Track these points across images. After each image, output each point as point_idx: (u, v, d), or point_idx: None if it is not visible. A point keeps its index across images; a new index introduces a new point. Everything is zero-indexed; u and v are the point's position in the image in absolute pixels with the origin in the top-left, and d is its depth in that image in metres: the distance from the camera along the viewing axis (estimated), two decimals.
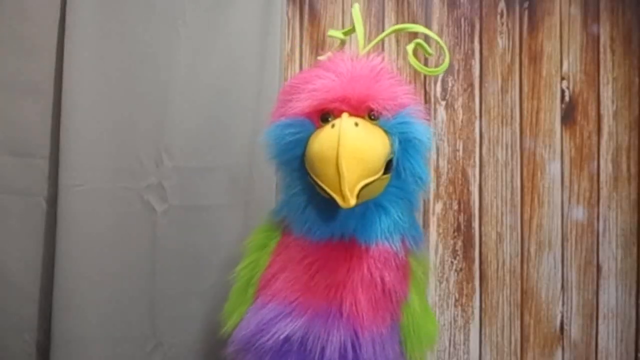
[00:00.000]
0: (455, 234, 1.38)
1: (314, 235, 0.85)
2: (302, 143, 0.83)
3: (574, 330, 1.38)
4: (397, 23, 1.36)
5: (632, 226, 1.38)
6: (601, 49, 1.39)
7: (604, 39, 1.39)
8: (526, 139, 1.38)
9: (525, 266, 1.38)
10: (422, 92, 1.36)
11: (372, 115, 0.84)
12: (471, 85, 1.37)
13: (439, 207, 1.37)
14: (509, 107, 1.38)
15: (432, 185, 1.37)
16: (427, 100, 1.37)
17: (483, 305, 1.37)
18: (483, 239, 1.38)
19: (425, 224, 1.37)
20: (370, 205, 0.84)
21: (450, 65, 1.37)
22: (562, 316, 1.38)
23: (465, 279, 1.37)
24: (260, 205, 1.17)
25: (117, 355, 1.15)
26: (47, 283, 1.14)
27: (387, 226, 0.85)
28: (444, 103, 1.37)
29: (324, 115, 0.83)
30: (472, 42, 1.38)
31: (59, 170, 1.12)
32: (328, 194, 0.78)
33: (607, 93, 1.38)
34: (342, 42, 1.00)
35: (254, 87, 1.23)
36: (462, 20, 1.38)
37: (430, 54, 0.99)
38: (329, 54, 0.94)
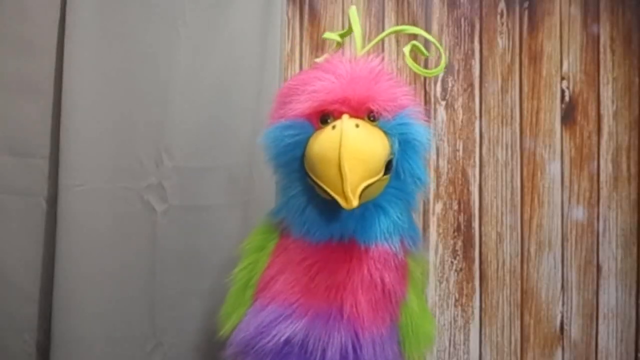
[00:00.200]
0: (455, 234, 1.38)
1: (314, 237, 0.85)
2: (302, 145, 0.83)
3: (574, 330, 1.38)
4: (397, 23, 1.36)
5: (632, 226, 1.38)
6: (601, 49, 1.39)
7: (604, 39, 1.39)
8: (526, 139, 1.38)
9: (525, 266, 1.38)
10: (422, 92, 1.36)
11: (371, 117, 0.84)
12: (471, 85, 1.37)
13: (439, 207, 1.37)
14: (509, 107, 1.38)
15: (432, 185, 1.37)
16: (427, 101, 1.37)
17: (483, 305, 1.37)
18: (483, 239, 1.38)
19: (425, 224, 1.37)
20: (369, 206, 0.84)
21: (450, 65, 1.37)
22: (562, 316, 1.38)
23: (465, 279, 1.37)
24: (260, 205, 1.17)
25: (117, 355, 1.15)
26: (47, 283, 1.14)
27: (386, 227, 0.85)
28: (444, 103, 1.37)
29: (323, 117, 0.83)
30: (472, 42, 1.38)
31: (59, 170, 1.12)
32: (329, 196, 0.78)
33: (607, 93, 1.38)
34: (339, 44, 1.00)
35: (254, 87, 1.23)
36: (462, 20, 1.38)
37: (425, 55, 1.00)
38: (326, 56, 0.94)
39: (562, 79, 1.38)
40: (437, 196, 1.37)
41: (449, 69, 1.37)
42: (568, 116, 1.38)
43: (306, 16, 1.36)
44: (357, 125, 0.79)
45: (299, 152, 0.84)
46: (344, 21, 1.35)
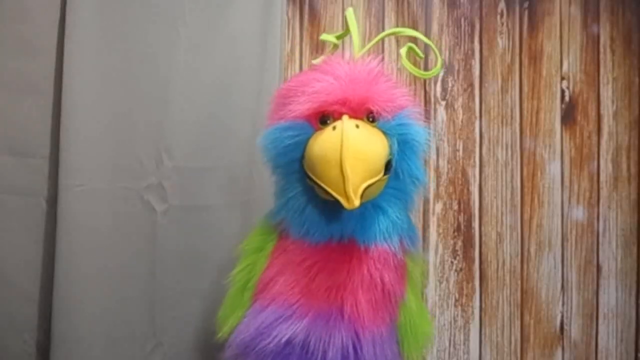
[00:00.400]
0: (455, 234, 1.38)
1: (313, 238, 0.85)
2: (301, 146, 0.83)
3: (574, 330, 1.38)
4: (397, 23, 1.36)
5: (632, 226, 1.38)
6: (601, 49, 1.39)
7: (604, 39, 1.39)
8: (526, 139, 1.38)
9: (525, 266, 1.38)
10: (422, 92, 1.37)
11: (370, 117, 0.84)
12: (471, 85, 1.38)
13: (439, 207, 1.37)
14: (509, 107, 1.38)
15: (432, 185, 1.37)
16: (427, 101, 1.37)
17: (483, 305, 1.37)
18: (483, 239, 1.38)
19: (425, 224, 1.37)
20: (368, 207, 0.84)
21: (450, 65, 1.37)
22: (562, 316, 1.38)
23: (465, 279, 1.37)
24: (260, 205, 1.17)
25: (117, 355, 1.15)
26: (47, 283, 1.14)
27: (385, 227, 0.85)
28: (444, 103, 1.37)
29: (322, 118, 0.83)
30: (472, 42, 1.38)
31: (59, 170, 1.11)
32: (330, 196, 0.78)
33: (607, 93, 1.38)
34: (335, 46, 1.00)
35: (254, 87, 1.23)
36: (462, 20, 1.38)
37: (420, 57, 1.00)
38: (323, 57, 0.95)
39: (562, 79, 1.38)
40: (437, 196, 1.37)
41: (449, 69, 1.37)
42: (568, 116, 1.38)
43: (306, 16, 1.36)
44: (357, 126, 0.79)
45: (298, 153, 0.84)
46: (344, 21, 1.35)
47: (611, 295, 1.38)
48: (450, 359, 1.37)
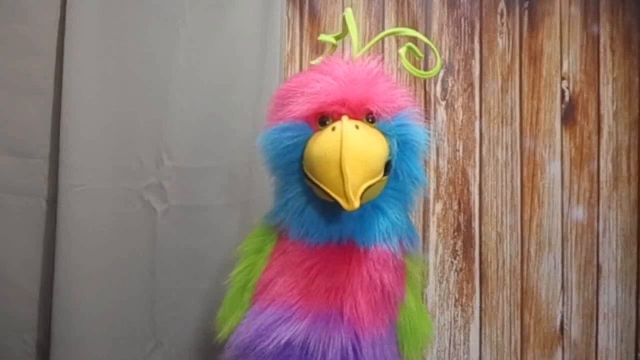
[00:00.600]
0: (455, 234, 1.38)
1: (312, 239, 0.85)
2: (300, 146, 0.83)
3: (574, 330, 1.38)
4: (397, 23, 1.36)
5: (632, 226, 1.38)
6: (601, 49, 1.39)
7: (604, 39, 1.39)
8: (526, 139, 1.38)
9: (525, 266, 1.38)
10: (422, 92, 1.37)
11: (369, 118, 0.84)
12: (471, 85, 1.37)
13: (439, 207, 1.37)
14: (509, 107, 1.38)
15: (432, 185, 1.37)
16: (427, 101, 1.37)
17: (483, 305, 1.37)
18: (483, 239, 1.38)
19: (425, 224, 1.37)
20: (367, 208, 0.84)
21: (450, 65, 1.37)
22: (562, 316, 1.38)
23: (465, 279, 1.37)
24: (260, 205, 1.16)
25: (117, 355, 1.15)
26: (47, 283, 1.14)
27: (385, 228, 0.85)
28: (444, 103, 1.37)
29: (322, 119, 0.83)
30: (472, 42, 1.38)
31: (59, 170, 1.12)
32: (329, 197, 0.78)
33: (607, 93, 1.38)
34: (334, 47, 1.00)
35: (254, 87, 1.23)
36: (462, 20, 1.38)
37: (420, 57, 1.00)
38: (322, 57, 0.94)
39: (562, 79, 1.38)
40: (437, 196, 1.37)
41: (449, 69, 1.37)
42: (568, 116, 1.38)
43: (306, 16, 1.36)
44: (356, 127, 0.79)
45: (297, 154, 0.84)
46: (342, 21, 1.35)
47: (611, 295, 1.38)
48: (450, 359, 1.37)
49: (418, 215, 1.36)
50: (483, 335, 1.37)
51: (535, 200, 1.38)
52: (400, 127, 0.84)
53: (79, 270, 1.11)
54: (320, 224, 0.85)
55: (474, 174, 1.38)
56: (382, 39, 1.33)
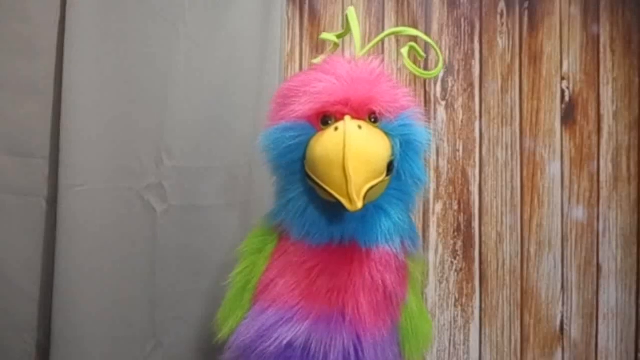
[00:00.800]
0: (455, 234, 1.38)
1: (314, 239, 0.85)
2: (302, 146, 0.83)
3: (574, 330, 1.38)
4: (397, 23, 1.36)
5: (632, 226, 1.38)
6: (601, 49, 1.39)
7: (604, 39, 1.39)
8: (526, 139, 1.38)
9: (525, 266, 1.38)
10: (422, 92, 1.36)
11: (372, 118, 0.84)
12: (471, 85, 1.37)
13: (439, 207, 1.37)
14: (509, 107, 1.38)
15: (432, 185, 1.37)
16: (427, 101, 1.37)
17: (483, 305, 1.37)
18: (483, 239, 1.38)
19: (425, 224, 1.37)
20: (370, 208, 0.83)
21: (450, 65, 1.37)
22: (562, 316, 1.38)
23: (465, 279, 1.37)
24: (260, 205, 1.17)
25: (117, 355, 1.15)
26: (47, 283, 1.14)
27: (387, 228, 0.85)
28: (444, 103, 1.37)
29: (324, 118, 0.83)
30: (472, 42, 1.38)
31: (59, 170, 1.11)
32: (332, 197, 0.78)
33: (607, 93, 1.38)
34: (335, 45, 0.99)
35: (254, 86, 1.23)
36: (462, 20, 1.38)
37: (422, 57, 1.00)
38: (323, 56, 0.94)
39: (562, 79, 1.38)
40: (437, 196, 1.37)
41: (449, 69, 1.37)
42: (568, 116, 1.38)
43: (306, 16, 1.36)
44: (359, 127, 0.79)
45: (299, 154, 0.84)
46: (344, 21, 1.34)
47: (611, 295, 1.38)
48: (450, 359, 1.37)
49: (418, 215, 1.36)
50: (483, 335, 1.37)
51: (535, 200, 1.38)
52: (403, 127, 0.84)
53: (79, 270, 1.11)
54: (321, 224, 0.84)
55: (474, 174, 1.38)
56: (383, 39, 1.33)
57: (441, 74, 1.37)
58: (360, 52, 0.92)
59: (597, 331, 1.38)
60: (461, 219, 1.38)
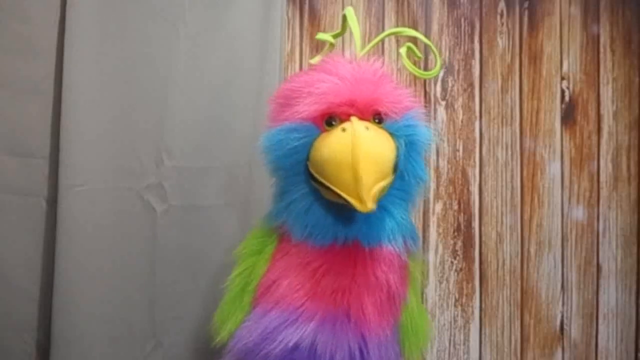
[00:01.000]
0: (455, 234, 1.38)
1: (317, 240, 0.84)
2: (306, 147, 0.83)
3: (574, 330, 1.38)
4: (397, 23, 1.36)
5: (632, 226, 1.38)
6: (601, 49, 1.39)
7: (604, 39, 1.39)
8: (526, 139, 1.38)
9: (525, 266, 1.38)
10: (422, 92, 1.36)
11: (377, 119, 0.83)
12: (471, 85, 1.38)
13: (439, 207, 1.37)
14: (509, 107, 1.38)
15: (432, 185, 1.37)
16: (427, 101, 1.37)
17: (483, 305, 1.37)
18: (483, 239, 1.38)
19: (425, 224, 1.37)
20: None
21: (450, 65, 1.37)
22: (562, 316, 1.38)
23: (465, 279, 1.37)
24: (260, 205, 1.17)
25: (117, 355, 1.15)
26: (47, 283, 1.14)
27: (391, 228, 0.85)
28: (444, 103, 1.37)
29: (329, 119, 0.83)
30: (472, 42, 1.38)
31: (59, 170, 1.11)
32: (341, 199, 0.78)
33: (607, 93, 1.39)
34: (332, 45, 0.99)
35: (254, 87, 1.23)
36: (462, 20, 1.38)
37: (419, 57, 1.00)
38: (320, 56, 0.94)
39: (562, 79, 1.38)
40: (437, 196, 1.37)
41: (449, 69, 1.37)
42: (568, 116, 1.38)
43: (306, 16, 1.36)
44: (367, 128, 0.79)
45: (303, 155, 0.83)
46: (342, 20, 1.35)
47: (611, 295, 1.38)
48: (450, 359, 1.37)
49: (418, 215, 1.36)
50: (483, 335, 1.37)
51: (535, 200, 1.38)
52: (408, 127, 0.84)
53: (79, 270, 1.11)
54: (325, 224, 0.84)
55: (474, 174, 1.38)
56: (382, 39, 1.33)
57: (441, 74, 1.37)
58: (360, 52, 0.92)
59: (597, 331, 1.38)
60: (461, 219, 1.38)
